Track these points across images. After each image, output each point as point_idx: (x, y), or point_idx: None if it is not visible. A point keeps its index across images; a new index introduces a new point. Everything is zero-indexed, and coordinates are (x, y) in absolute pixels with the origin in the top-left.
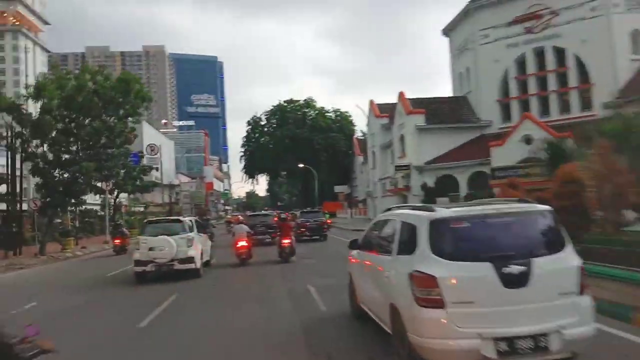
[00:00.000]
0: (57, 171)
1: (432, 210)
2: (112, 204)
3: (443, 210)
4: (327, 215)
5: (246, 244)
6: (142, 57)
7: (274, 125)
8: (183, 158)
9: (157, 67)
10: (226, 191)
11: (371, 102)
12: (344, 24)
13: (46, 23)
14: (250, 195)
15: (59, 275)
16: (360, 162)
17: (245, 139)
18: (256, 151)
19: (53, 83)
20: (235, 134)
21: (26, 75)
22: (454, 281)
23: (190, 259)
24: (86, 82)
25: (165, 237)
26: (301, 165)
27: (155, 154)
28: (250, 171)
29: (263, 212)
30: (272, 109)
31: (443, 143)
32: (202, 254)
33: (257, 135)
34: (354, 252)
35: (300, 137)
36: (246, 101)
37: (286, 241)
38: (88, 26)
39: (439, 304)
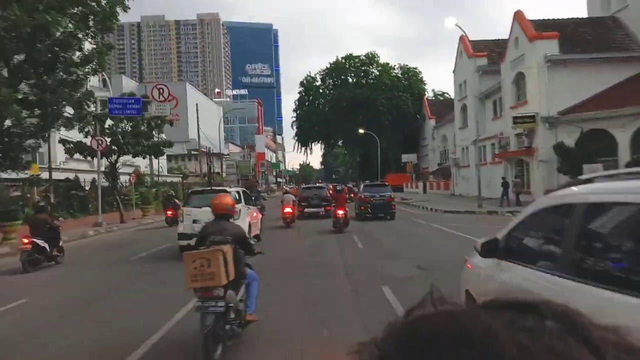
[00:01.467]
0: None
1: None
2: (109, 169)
3: None
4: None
5: (291, 211)
6: (196, 25)
7: (331, 87)
8: (236, 128)
9: (211, 36)
10: (278, 162)
11: (462, 39)
12: None
13: None
14: (304, 167)
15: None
16: (432, 127)
17: (297, 103)
18: (310, 116)
19: None
20: (290, 104)
21: None
22: None
23: None
24: None
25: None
26: (361, 131)
27: (168, 101)
28: (303, 139)
29: (317, 184)
30: (328, 68)
31: (587, 83)
32: (249, 227)
33: (310, 98)
34: (486, 263)
35: (361, 98)
36: (302, 72)
37: (341, 212)
38: None
39: None
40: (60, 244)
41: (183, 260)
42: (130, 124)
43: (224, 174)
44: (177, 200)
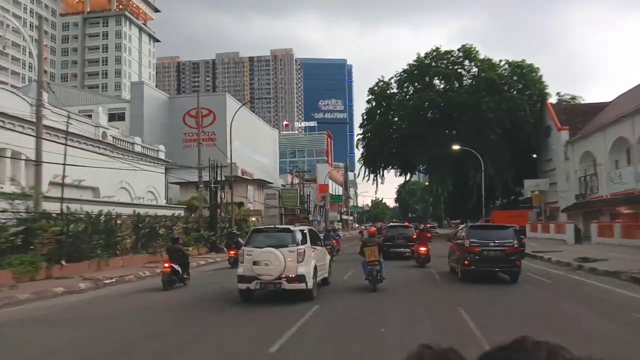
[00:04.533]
0: None
1: None
2: None
3: None
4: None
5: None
6: (270, 61)
7: (410, 93)
8: (305, 162)
9: (284, 72)
10: (344, 196)
11: None
12: (479, 25)
13: (156, 10)
14: (376, 204)
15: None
16: (564, 142)
17: (365, 116)
18: (381, 132)
19: None
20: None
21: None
22: None
23: (301, 277)
24: None
25: (272, 249)
26: (456, 147)
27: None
28: (372, 163)
29: (404, 224)
30: (406, 69)
31: None
32: (314, 271)
33: (383, 109)
34: None
35: (454, 104)
36: None
37: (423, 248)
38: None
39: None
40: (189, 269)
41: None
42: None
43: (261, 206)
44: (240, 240)
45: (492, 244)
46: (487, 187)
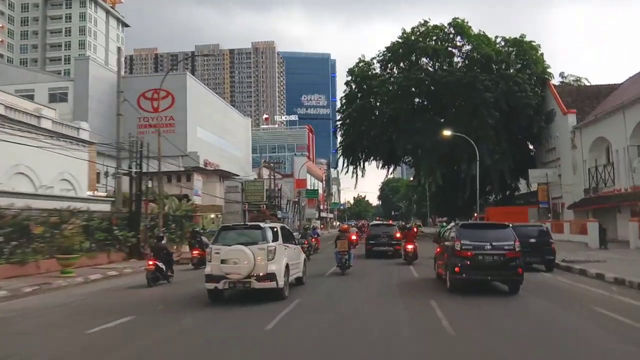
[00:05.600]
0: None
1: None
2: None
3: None
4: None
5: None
6: (251, 54)
7: (395, 75)
8: (285, 157)
9: (265, 65)
10: (314, 190)
11: None
12: (465, 18)
13: None
14: (358, 202)
15: None
16: (571, 128)
17: (344, 100)
18: (361, 118)
19: None
20: None
21: None
22: None
23: (271, 276)
24: None
25: (241, 246)
26: (447, 134)
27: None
28: (351, 151)
29: (388, 222)
30: (390, 47)
31: None
32: (286, 269)
33: (364, 92)
34: None
35: (445, 84)
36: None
37: (410, 246)
38: (196, 26)
39: None
40: (172, 267)
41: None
42: None
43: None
44: (204, 238)
45: (488, 246)
46: (481, 180)
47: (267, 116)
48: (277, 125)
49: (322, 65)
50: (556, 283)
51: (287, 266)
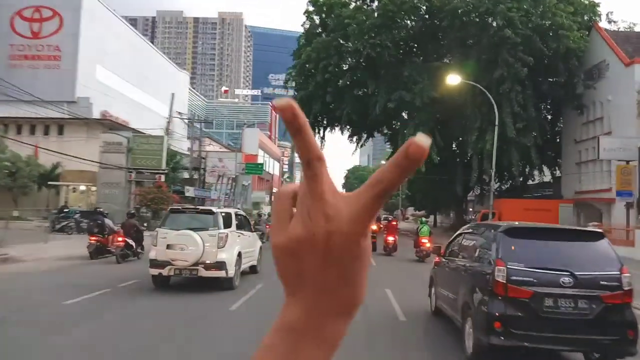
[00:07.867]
0: None
1: None
2: None
3: None
4: None
5: None
6: (217, 24)
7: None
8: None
9: (232, 37)
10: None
11: None
12: None
13: None
14: None
15: None
16: (638, 84)
17: (303, 39)
18: (324, 60)
19: None
20: None
21: None
22: None
23: (220, 264)
24: None
25: (190, 232)
26: (454, 82)
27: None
28: (307, 109)
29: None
30: None
31: None
32: (238, 257)
33: (330, 27)
34: None
35: (447, 14)
36: None
37: (390, 238)
38: None
39: None
40: (143, 244)
41: None
42: None
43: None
44: (107, 220)
45: (567, 279)
46: (501, 156)
47: (226, 88)
48: (237, 100)
49: (293, 44)
50: None
51: (239, 254)
